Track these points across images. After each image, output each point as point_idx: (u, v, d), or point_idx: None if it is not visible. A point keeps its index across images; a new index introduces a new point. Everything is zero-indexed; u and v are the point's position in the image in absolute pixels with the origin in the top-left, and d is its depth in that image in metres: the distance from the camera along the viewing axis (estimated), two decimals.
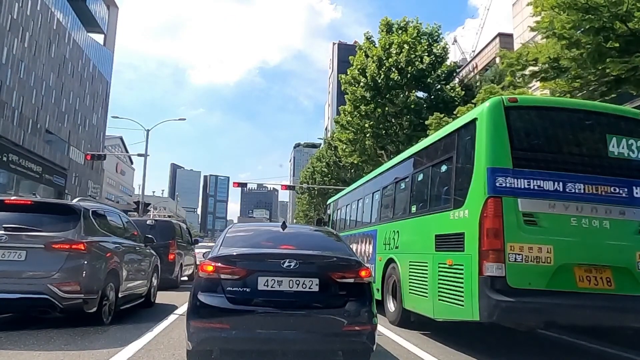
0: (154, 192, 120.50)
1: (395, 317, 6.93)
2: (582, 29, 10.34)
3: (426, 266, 5.87)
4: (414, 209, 6.87)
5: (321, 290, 3.95)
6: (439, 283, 5.48)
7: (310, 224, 26.73)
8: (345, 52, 75.67)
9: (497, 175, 4.73)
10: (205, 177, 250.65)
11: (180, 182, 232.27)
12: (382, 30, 25.16)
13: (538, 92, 14.32)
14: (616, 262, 4.74)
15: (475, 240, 4.71)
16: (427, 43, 24.31)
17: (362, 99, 24.38)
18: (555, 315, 4.66)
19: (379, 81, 23.50)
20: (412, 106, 23.68)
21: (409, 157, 7.68)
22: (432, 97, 24.37)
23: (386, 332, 6.19)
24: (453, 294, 5.10)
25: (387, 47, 23.96)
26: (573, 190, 4.78)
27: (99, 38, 64.20)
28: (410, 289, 6.36)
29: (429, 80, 23.82)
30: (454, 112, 16.68)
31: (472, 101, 16.88)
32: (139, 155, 35.46)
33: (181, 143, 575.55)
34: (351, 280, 4.03)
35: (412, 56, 23.35)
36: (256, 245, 4.57)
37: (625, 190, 4.89)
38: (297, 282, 3.91)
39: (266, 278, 3.89)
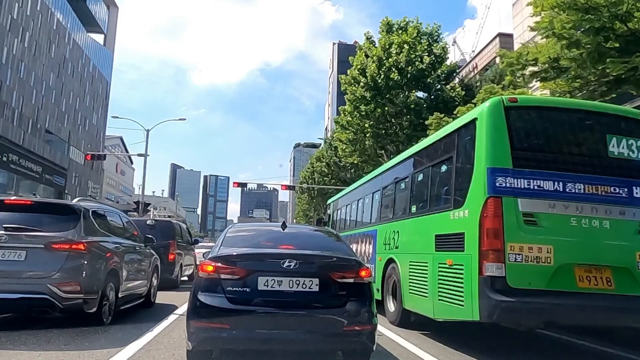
0: (154, 192, 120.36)
1: (395, 317, 6.93)
2: (582, 29, 10.35)
3: (426, 266, 5.87)
4: (414, 209, 6.87)
5: (321, 290, 3.95)
6: (439, 283, 5.48)
7: (310, 224, 26.74)
8: (345, 52, 75.65)
9: (497, 175, 4.73)
10: (205, 177, 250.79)
11: (180, 182, 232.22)
12: (383, 31, 25.16)
13: (538, 92, 14.32)
14: (616, 262, 4.74)
15: (475, 240, 4.71)
16: (427, 43, 24.31)
17: (362, 99, 24.39)
18: (555, 315, 4.66)
19: (379, 81, 23.50)
20: (412, 106, 23.68)
21: (408, 157, 7.68)
22: (432, 97, 24.38)
23: (386, 332, 6.19)
24: (453, 294, 5.10)
25: (387, 47, 23.96)
26: (573, 190, 4.79)
27: (99, 38, 64.19)
28: (410, 289, 6.36)
29: (429, 80, 23.83)
30: (454, 112, 16.68)
31: (472, 101, 16.89)
32: (139, 155, 35.50)
33: (181, 143, 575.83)
34: (351, 280, 4.03)
35: (412, 56, 23.35)
36: (256, 245, 4.58)
37: (625, 190, 4.89)
38: (297, 282, 3.91)
39: (266, 278, 3.89)
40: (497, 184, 4.71)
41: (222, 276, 3.90)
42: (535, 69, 12.26)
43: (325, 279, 3.98)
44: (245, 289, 3.87)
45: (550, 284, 4.56)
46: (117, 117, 62.78)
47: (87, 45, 58.77)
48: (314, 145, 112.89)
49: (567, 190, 4.78)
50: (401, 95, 24.13)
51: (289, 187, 58.38)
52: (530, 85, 14.00)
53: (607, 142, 5.04)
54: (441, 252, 5.53)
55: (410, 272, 6.42)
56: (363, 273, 4.10)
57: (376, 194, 9.08)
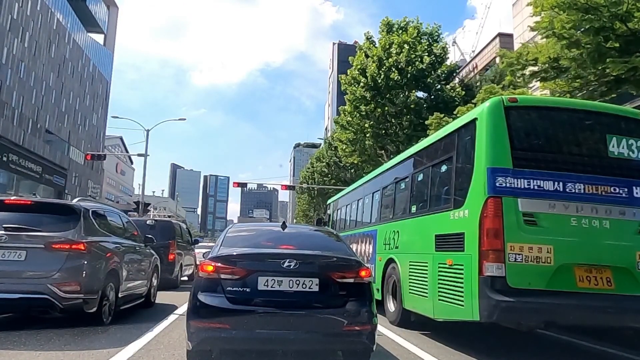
0: (154, 192, 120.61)
1: (395, 317, 6.93)
2: (582, 29, 10.35)
3: (426, 266, 5.87)
4: (414, 209, 6.87)
5: (321, 290, 3.95)
6: (439, 283, 5.47)
7: (310, 224, 26.73)
8: (345, 52, 75.66)
9: (497, 175, 4.72)
10: (205, 177, 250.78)
11: (180, 182, 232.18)
12: (383, 31, 25.18)
13: (538, 92, 14.32)
14: (616, 262, 4.74)
15: (475, 240, 4.71)
16: (427, 43, 24.32)
17: (362, 99, 24.39)
18: (555, 315, 4.65)
19: (379, 81, 23.50)
20: (412, 106, 23.68)
21: (409, 157, 7.67)
22: (432, 97, 24.38)
23: (386, 332, 6.19)
24: (453, 294, 5.10)
25: (387, 47, 23.96)
26: (573, 190, 4.78)
27: (99, 38, 64.20)
28: (410, 289, 6.36)
29: (429, 80, 23.82)
30: (454, 112, 16.68)
31: (472, 101, 16.89)
32: (139, 155, 35.52)
33: (181, 143, 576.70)
34: (351, 280, 4.03)
35: (412, 56, 23.35)
36: (256, 245, 4.58)
37: (625, 190, 4.89)
38: (297, 282, 3.91)
39: (266, 278, 3.89)
40: (497, 184, 4.71)
41: (222, 276, 3.90)
42: (535, 69, 12.26)
43: (325, 279, 3.98)
44: (245, 289, 3.87)
45: (551, 284, 4.56)
46: (117, 117, 62.81)
47: (87, 45, 58.76)
48: (314, 145, 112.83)
49: (567, 190, 4.78)
50: (401, 95, 24.13)
51: (289, 187, 58.41)
52: (530, 85, 14.00)
53: (607, 142, 5.04)
54: (441, 252, 5.53)
55: (410, 272, 6.42)
56: (363, 273, 4.09)
57: (376, 194, 9.08)
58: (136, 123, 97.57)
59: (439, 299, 5.43)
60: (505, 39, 32.56)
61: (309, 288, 3.92)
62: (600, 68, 10.35)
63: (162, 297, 9.03)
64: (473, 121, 5.23)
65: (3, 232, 5.33)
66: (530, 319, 4.92)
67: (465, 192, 5.09)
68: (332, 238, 5.32)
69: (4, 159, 38.46)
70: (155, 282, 8.53)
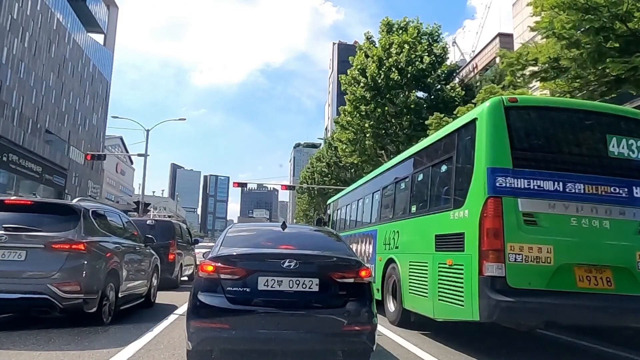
0: (154, 192, 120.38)
1: (395, 317, 6.93)
2: (582, 29, 10.35)
3: (426, 266, 5.87)
4: (414, 209, 6.87)
5: (321, 290, 3.95)
6: (439, 283, 5.48)
7: (310, 224, 26.73)
8: (345, 52, 75.72)
9: (497, 175, 4.73)
10: (205, 177, 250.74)
11: (180, 182, 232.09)
12: (383, 31, 25.20)
13: (538, 92, 14.31)
14: (616, 262, 4.74)
15: (475, 240, 4.71)
16: (427, 43, 24.34)
17: (362, 99, 24.41)
18: (555, 315, 4.65)
19: (379, 81, 23.52)
20: (412, 106, 23.70)
21: (409, 157, 7.67)
22: (432, 97, 24.39)
23: (386, 332, 6.19)
24: (453, 294, 5.10)
25: (388, 47, 23.98)
26: (573, 190, 4.78)
27: (99, 38, 64.24)
28: (410, 289, 6.36)
29: (429, 80, 23.85)
30: (454, 112, 16.68)
31: (472, 101, 16.90)
32: (139, 155, 35.51)
33: (181, 143, 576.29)
34: (351, 280, 4.03)
35: (412, 56, 23.37)
36: (256, 245, 4.58)
37: (625, 190, 4.89)
38: (297, 282, 3.91)
39: (266, 278, 3.89)
40: (497, 184, 4.71)
41: (222, 276, 3.90)
42: (535, 69, 12.25)
43: (325, 279, 3.98)
44: (245, 288, 3.87)
45: (550, 284, 4.56)
46: (117, 117, 63.11)
47: (87, 45, 58.77)
48: (314, 145, 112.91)
49: (567, 190, 4.78)
50: (401, 95, 24.14)
51: (289, 187, 58.50)
52: (530, 85, 13.99)
53: (607, 142, 5.04)
54: (441, 252, 5.53)
55: (410, 272, 6.42)
56: (363, 273, 4.10)
57: (376, 194, 9.08)
58: (136, 123, 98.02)
59: (439, 299, 5.44)
60: (505, 39, 32.51)
61: (309, 288, 3.92)
62: (600, 68, 10.34)
63: (162, 297, 9.04)
64: (473, 121, 5.23)
65: (3, 232, 5.34)
66: (530, 319, 4.93)
67: (465, 192, 5.09)
68: (332, 238, 5.32)
69: (4, 159, 38.47)
70: (155, 282, 8.53)
